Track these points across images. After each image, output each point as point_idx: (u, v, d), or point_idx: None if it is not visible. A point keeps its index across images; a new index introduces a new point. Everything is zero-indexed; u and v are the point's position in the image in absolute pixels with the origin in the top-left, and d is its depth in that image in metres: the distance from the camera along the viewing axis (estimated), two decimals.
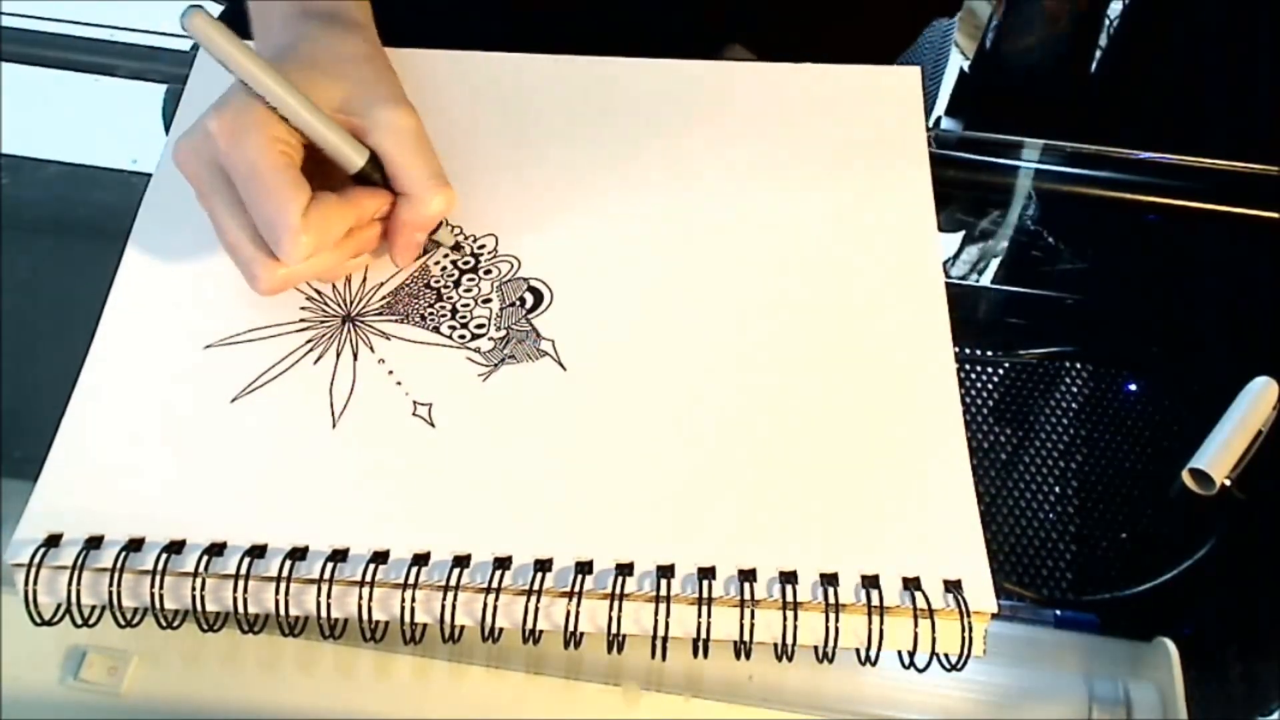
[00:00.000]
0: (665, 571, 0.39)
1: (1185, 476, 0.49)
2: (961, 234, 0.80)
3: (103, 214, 0.57)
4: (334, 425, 0.43)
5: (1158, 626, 0.45)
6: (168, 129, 0.60)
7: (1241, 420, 0.49)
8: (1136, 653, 0.44)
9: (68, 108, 0.63)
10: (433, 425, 0.43)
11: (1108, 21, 0.79)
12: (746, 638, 0.38)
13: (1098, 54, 0.81)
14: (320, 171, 0.44)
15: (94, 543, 0.41)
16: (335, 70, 0.45)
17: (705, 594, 0.38)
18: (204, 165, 0.42)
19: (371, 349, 0.45)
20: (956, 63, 0.92)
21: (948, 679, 0.44)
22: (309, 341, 0.45)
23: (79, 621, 0.40)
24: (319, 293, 0.47)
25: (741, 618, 0.38)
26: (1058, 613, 0.46)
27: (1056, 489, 0.49)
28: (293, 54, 0.46)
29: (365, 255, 0.47)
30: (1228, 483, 0.48)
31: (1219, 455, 0.48)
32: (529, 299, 0.47)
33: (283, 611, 0.40)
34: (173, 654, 0.44)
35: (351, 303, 0.47)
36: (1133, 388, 0.50)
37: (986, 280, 0.78)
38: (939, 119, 0.90)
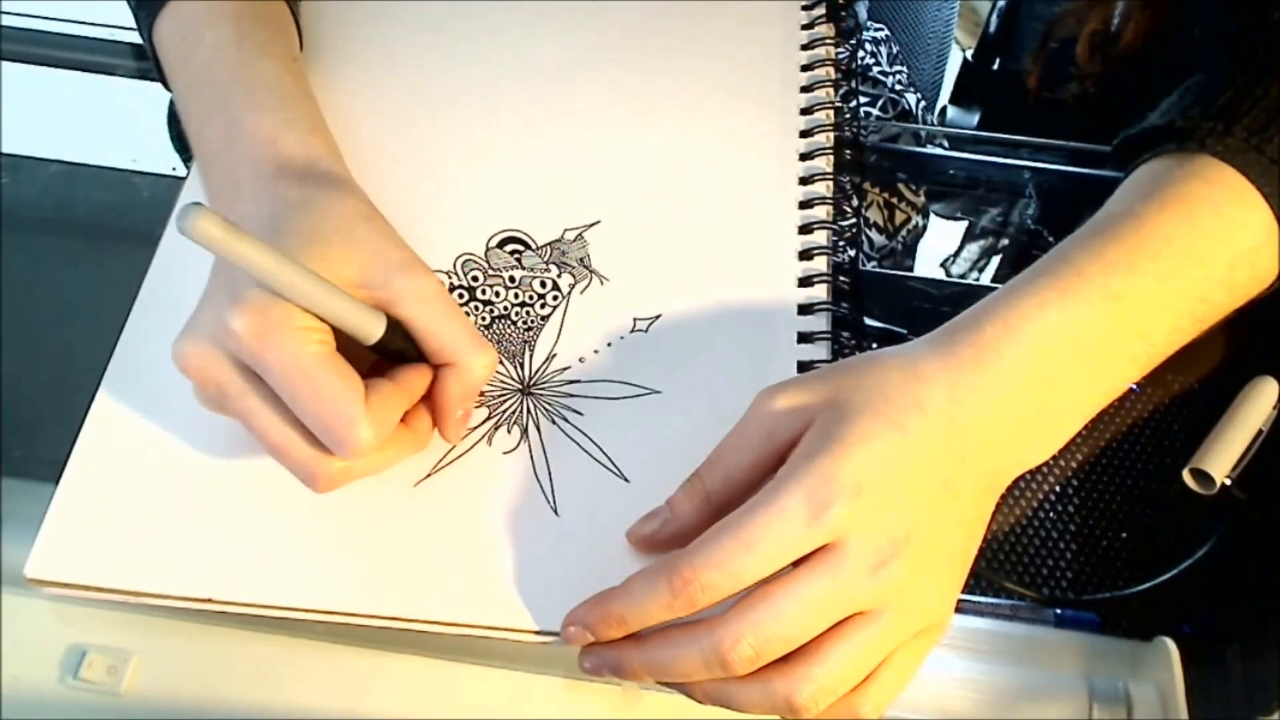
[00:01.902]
0: None
1: (1185, 476, 0.49)
2: (962, 232, 0.80)
3: (103, 214, 0.57)
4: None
5: (1158, 626, 0.45)
6: (171, 130, 0.60)
7: (1241, 420, 0.49)
8: (1136, 652, 0.44)
9: (68, 108, 0.63)
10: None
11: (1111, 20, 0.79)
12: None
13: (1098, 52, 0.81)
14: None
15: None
16: (340, 240, 0.41)
17: None
18: (226, 369, 0.39)
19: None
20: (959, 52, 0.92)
21: (948, 679, 0.44)
22: None
23: None
24: None
25: None
26: (1058, 612, 0.46)
27: (1056, 488, 0.49)
28: (288, 228, 0.41)
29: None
30: (1228, 482, 0.48)
31: (1219, 455, 0.48)
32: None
33: None
34: (173, 654, 0.44)
35: None
36: (1133, 387, 0.50)
37: (987, 279, 0.78)
38: (944, 108, 0.90)
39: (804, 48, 0.55)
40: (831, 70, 0.54)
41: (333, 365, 0.38)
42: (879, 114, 0.73)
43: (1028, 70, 0.74)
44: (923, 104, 0.79)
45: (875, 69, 0.75)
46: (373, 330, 0.40)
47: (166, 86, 0.50)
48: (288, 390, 0.38)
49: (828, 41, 0.55)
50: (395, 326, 0.40)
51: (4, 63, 0.65)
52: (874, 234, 0.70)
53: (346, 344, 0.40)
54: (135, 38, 0.51)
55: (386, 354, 0.41)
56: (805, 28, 0.56)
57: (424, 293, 0.41)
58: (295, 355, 0.37)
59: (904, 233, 0.72)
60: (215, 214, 0.35)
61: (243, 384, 0.39)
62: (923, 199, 0.73)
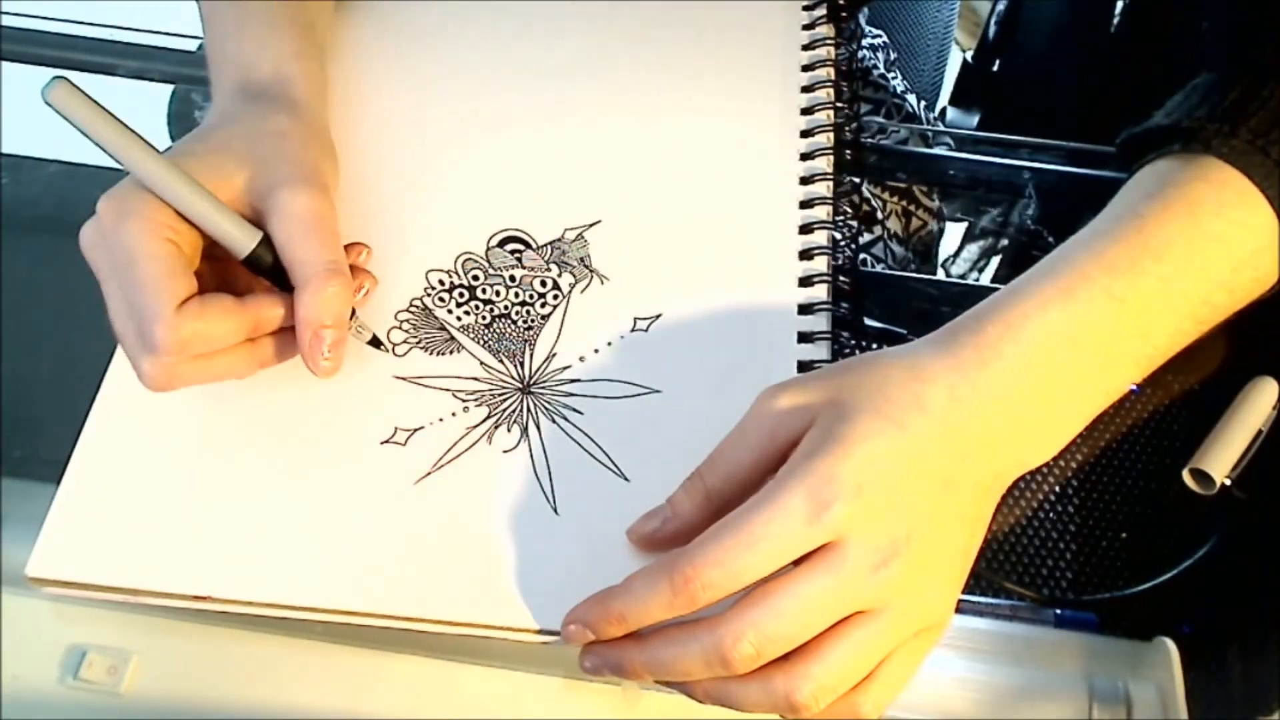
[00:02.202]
0: None
1: (1185, 476, 0.49)
2: (962, 232, 0.80)
3: None
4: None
5: (1158, 626, 0.45)
6: (171, 131, 0.60)
7: (1241, 420, 0.49)
8: (1136, 652, 0.44)
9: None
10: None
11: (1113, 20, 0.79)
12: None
13: (1099, 53, 0.81)
14: (234, 278, 0.42)
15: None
16: (245, 151, 0.42)
17: None
18: (98, 253, 0.40)
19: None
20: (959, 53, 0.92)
21: (948, 678, 0.44)
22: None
23: None
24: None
25: None
26: (1058, 612, 0.46)
27: (1056, 488, 0.49)
28: (211, 134, 0.43)
29: (274, 364, 0.44)
30: (1228, 482, 0.48)
31: (1219, 455, 0.48)
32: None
33: None
34: (172, 654, 0.44)
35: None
36: (1133, 388, 0.50)
37: (986, 279, 0.78)
38: (944, 109, 0.90)
39: (805, 48, 0.55)
40: (832, 71, 0.54)
41: (162, 261, 0.39)
42: (883, 120, 0.73)
43: None
44: (923, 104, 0.79)
45: (875, 73, 0.75)
46: (242, 243, 0.41)
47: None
48: (119, 275, 0.39)
49: (828, 42, 0.55)
50: (268, 245, 0.41)
51: (4, 63, 0.65)
52: (894, 245, 0.70)
53: (235, 271, 0.41)
54: (135, 38, 0.51)
55: (262, 273, 0.42)
56: (806, 28, 0.56)
57: (294, 209, 0.41)
58: (130, 242, 0.39)
59: (916, 238, 0.73)
60: (76, 86, 0.37)
61: (105, 270, 0.40)
62: (938, 203, 0.73)
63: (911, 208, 0.71)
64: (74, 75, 0.66)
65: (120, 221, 0.39)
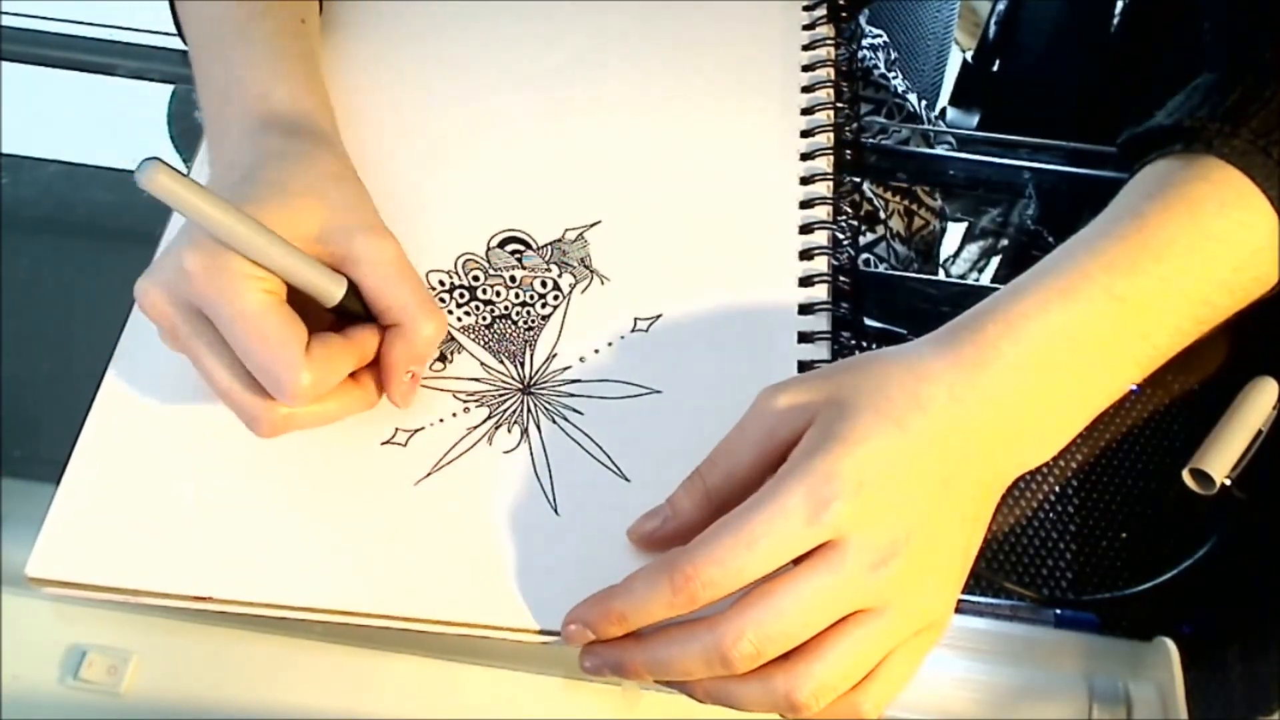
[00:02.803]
0: None
1: (1185, 476, 0.49)
2: (962, 232, 0.80)
3: (102, 214, 0.57)
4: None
5: (1158, 626, 0.45)
6: (171, 131, 0.60)
7: (1241, 420, 0.49)
8: (1136, 652, 0.44)
9: (68, 108, 0.63)
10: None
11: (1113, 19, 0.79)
12: None
13: (1099, 53, 0.81)
14: (304, 312, 0.42)
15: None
16: (307, 196, 0.42)
17: None
18: (178, 308, 0.40)
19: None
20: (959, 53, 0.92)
21: (948, 678, 0.44)
22: None
23: None
24: None
25: None
26: (1058, 612, 0.46)
27: (1056, 488, 0.49)
28: (260, 177, 0.43)
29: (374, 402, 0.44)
30: (1228, 483, 0.48)
31: (1219, 455, 0.48)
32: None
33: None
34: (172, 654, 0.44)
35: None
36: (1133, 388, 0.50)
37: (986, 279, 0.78)
38: (944, 109, 0.90)
39: (805, 48, 0.55)
40: (832, 71, 0.54)
41: (276, 311, 0.39)
42: (884, 120, 0.73)
43: None
44: (924, 104, 0.79)
45: (876, 73, 0.75)
46: (332, 292, 0.41)
47: (185, 42, 0.52)
48: (231, 332, 0.39)
49: (828, 42, 0.55)
50: (354, 289, 0.41)
51: (4, 63, 0.65)
52: (897, 245, 0.70)
53: (308, 304, 0.41)
54: (135, 38, 0.52)
55: (345, 316, 0.42)
56: (806, 28, 0.56)
57: (380, 256, 0.41)
58: (240, 298, 0.38)
59: (918, 238, 0.73)
60: (170, 167, 0.36)
61: (193, 325, 0.40)
62: (940, 202, 0.73)
63: (914, 207, 0.71)
64: (74, 75, 0.66)
65: (221, 278, 0.38)
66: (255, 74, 0.46)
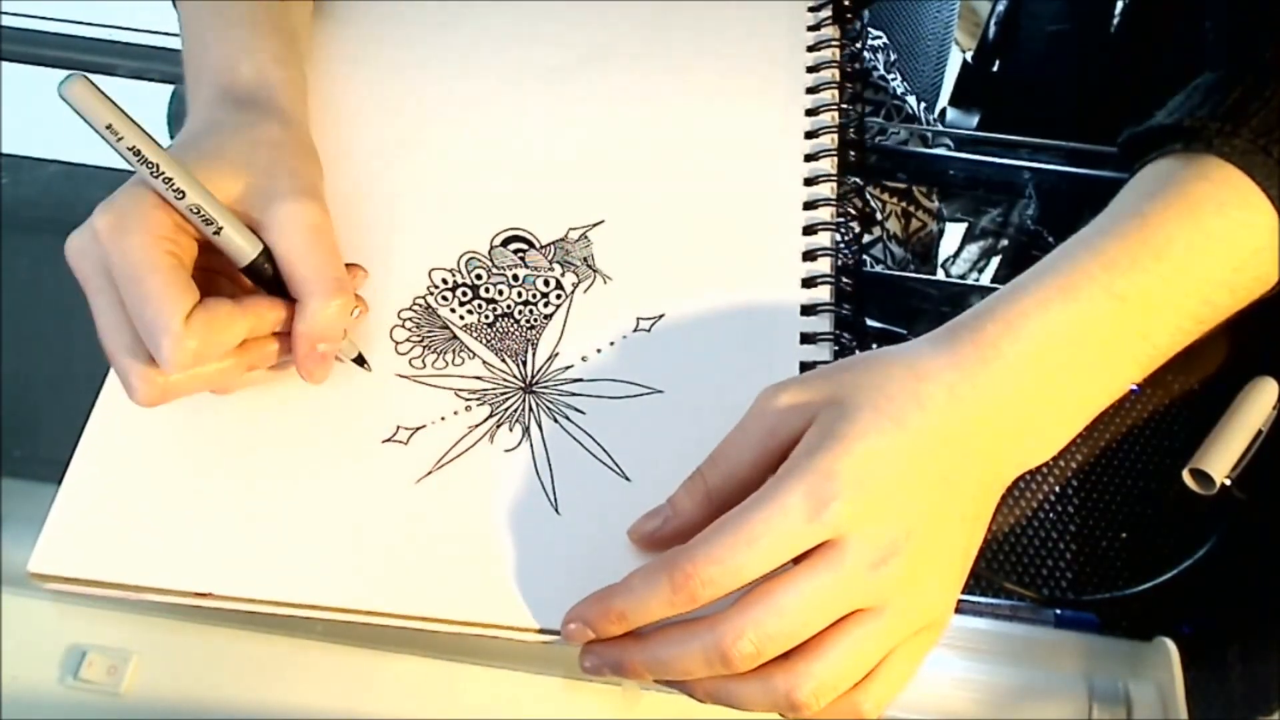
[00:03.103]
0: None
1: (1185, 476, 0.49)
2: (962, 232, 0.80)
3: None
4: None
5: (1158, 626, 0.45)
6: (171, 131, 0.60)
7: (1241, 420, 0.49)
8: (1136, 652, 0.44)
9: (68, 108, 0.63)
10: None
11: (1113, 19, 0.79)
12: None
13: (1100, 50, 0.81)
14: (218, 282, 0.42)
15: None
16: (240, 160, 0.42)
17: None
18: (90, 264, 0.40)
19: None
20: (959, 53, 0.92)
21: (948, 678, 0.44)
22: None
23: None
24: None
25: None
26: (1058, 612, 0.46)
27: (1056, 488, 0.49)
28: (201, 140, 0.43)
29: (261, 369, 0.44)
30: (1228, 483, 0.48)
31: (1219, 455, 0.48)
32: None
33: None
34: (172, 654, 0.44)
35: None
36: (1133, 388, 0.50)
37: (986, 279, 0.78)
38: (944, 110, 0.90)
39: (810, 49, 0.55)
40: (837, 72, 0.54)
41: (168, 273, 0.39)
42: (883, 120, 0.73)
43: None
44: (923, 105, 0.79)
45: (875, 75, 0.75)
46: (245, 251, 0.41)
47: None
48: (122, 289, 0.39)
49: (834, 43, 0.55)
50: (269, 254, 0.41)
51: (4, 63, 0.65)
52: (894, 246, 0.70)
53: (230, 277, 0.41)
54: (135, 38, 0.51)
55: (262, 283, 0.42)
56: (811, 29, 0.56)
57: (296, 223, 0.41)
58: (134, 255, 0.38)
59: (915, 239, 0.73)
60: (92, 83, 0.37)
61: (98, 281, 0.40)
62: (937, 204, 0.73)
63: (911, 209, 0.71)
64: None
65: (121, 234, 0.39)
66: (224, 49, 0.47)
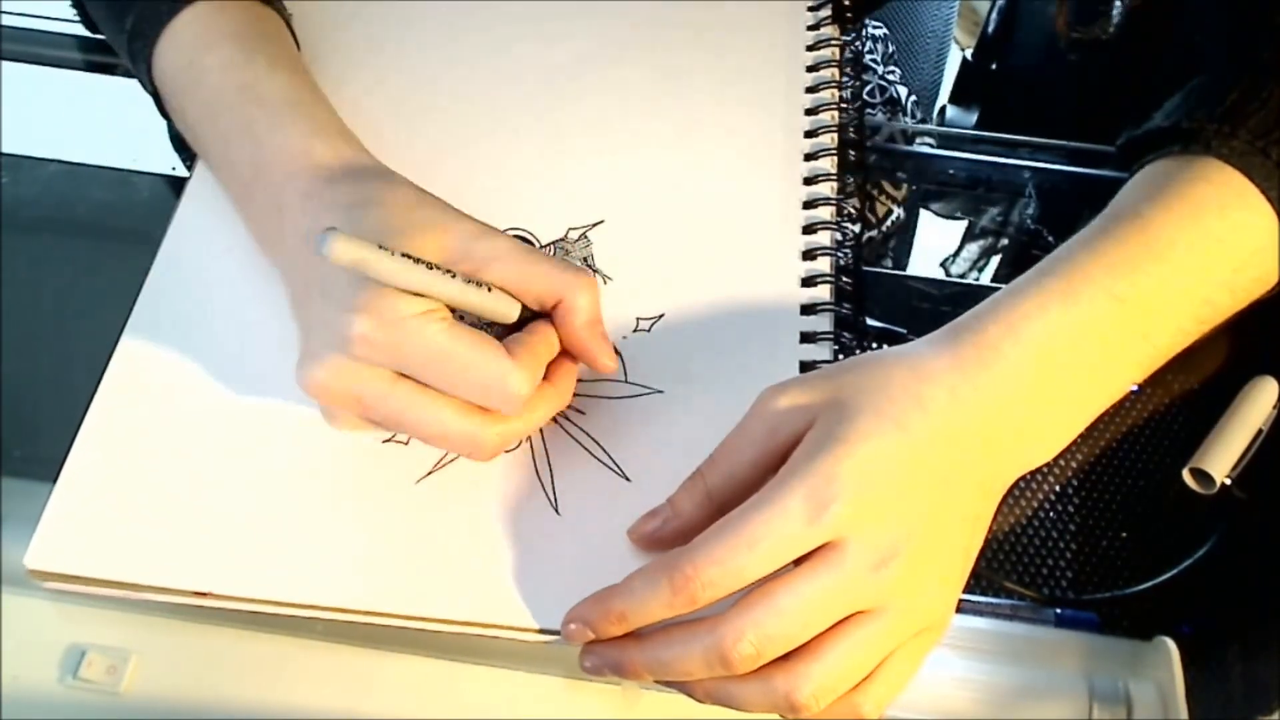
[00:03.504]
0: None
1: (1185, 476, 0.49)
2: (962, 232, 0.80)
3: (102, 213, 0.57)
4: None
5: (1158, 626, 0.45)
6: (171, 130, 0.60)
7: (1241, 420, 0.49)
8: (1136, 652, 0.44)
9: (68, 108, 0.63)
10: None
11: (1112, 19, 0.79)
12: None
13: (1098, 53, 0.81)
14: None
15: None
16: (410, 228, 0.40)
17: None
18: (364, 377, 0.38)
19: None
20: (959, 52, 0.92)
21: (948, 678, 0.44)
22: None
23: None
24: None
25: None
26: (1058, 612, 0.46)
27: (1056, 488, 0.49)
28: (353, 230, 0.39)
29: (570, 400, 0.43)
30: (1228, 482, 0.48)
31: (1219, 455, 0.48)
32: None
33: None
34: (173, 654, 0.44)
35: None
36: (1133, 388, 0.50)
37: (986, 279, 0.79)
38: (944, 108, 0.90)
39: (810, 48, 0.55)
40: (836, 71, 0.54)
41: (465, 334, 0.38)
42: (866, 97, 0.73)
43: (1055, 11, 0.73)
44: (913, 99, 0.79)
45: (867, 57, 0.75)
46: (510, 310, 0.40)
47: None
48: (433, 371, 0.38)
49: (833, 43, 0.55)
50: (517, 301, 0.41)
51: (4, 63, 0.65)
52: (850, 228, 0.70)
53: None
54: None
55: (510, 327, 0.42)
56: (811, 28, 0.56)
57: (502, 252, 0.40)
58: (428, 337, 0.37)
59: (886, 225, 0.72)
60: (349, 235, 0.35)
61: (384, 386, 0.38)
62: (903, 192, 0.72)
63: (874, 192, 0.71)
64: (74, 75, 0.66)
65: (397, 326, 0.37)
66: (289, 134, 0.44)
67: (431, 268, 0.38)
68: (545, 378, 0.41)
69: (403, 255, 0.37)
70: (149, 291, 0.48)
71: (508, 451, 0.44)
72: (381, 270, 0.36)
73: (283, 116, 0.45)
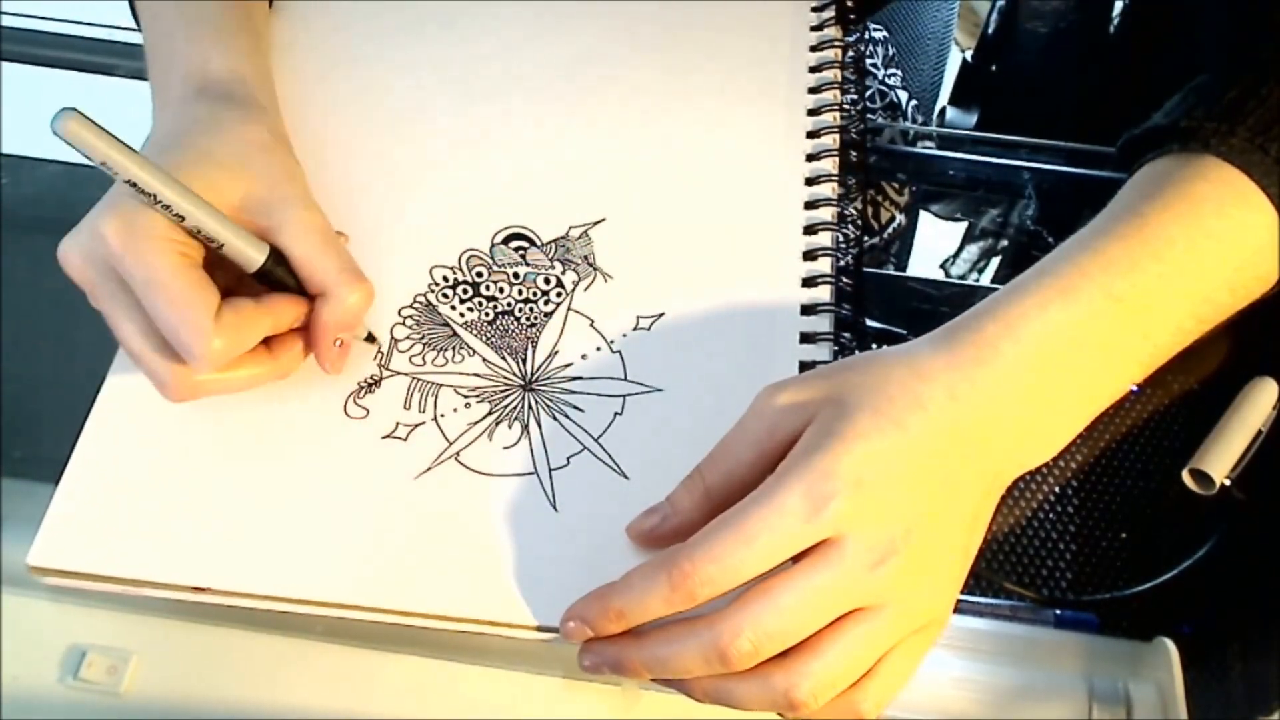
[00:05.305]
0: None
1: (1185, 476, 0.49)
2: (962, 232, 0.80)
3: None
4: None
5: (1158, 626, 0.45)
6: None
7: (1241, 420, 0.49)
8: (1136, 652, 0.44)
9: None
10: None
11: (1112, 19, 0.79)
12: None
13: (1099, 53, 0.81)
14: (224, 279, 0.42)
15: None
16: (234, 164, 0.43)
17: None
18: (95, 268, 0.40)
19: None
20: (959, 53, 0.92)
21: (948, 678, 0.44)
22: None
23: None
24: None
25: None
26: (1058, 612, 0.46)
27: (1056, 488, 0.49)
28: (187, 142, 0.43)
29: (293, 372, 0.44)
30: (1228, 483, 0.48)
31: (1219, 455, 0.48)
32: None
33: None
34: (173, 654, 0.44)
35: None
36: (1133, 388, 0.50)
37: (986, 279, 0.79)
38: (944, 109, 0.90)
39: (813, 49, 0.55)
40: (839, 72, 0.54)
41: (187, 274, 0.39)
42: (866, 103, 0.73)
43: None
44: (914, 103, 0.79)
45: (868, 61, 0.75)
46: (253, 257, 0.41)
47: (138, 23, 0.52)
48: (144, 295, 0.39)
49: (836, 43, 0.55)
50: (278, 256, 0.42)
51: (4, 63, 0.65)
52: (850, 229, 0.70)
53: (238, 277, 0.42)
54: (135, 38, 0.51)
55: (270, 284, 0.43)
56: (814, 29, 0.56)
57: (304, 225, 0.42)
58: (153, 262, 0.39)
59: (888, 231, 0.72)
60: (86, 118, 0.37)
61: (109, 287, 0.40)
62: (906, 197, 0.73)
63: (879, 198, 0.71)
64: (74, 75, 0.66)
65: (134, 240, 0.39)
66: (195, 45, 0.47)
67: (175, 185, 0.39)
68: (268, 348, 0.43)
69: (146, 161, 0.38)
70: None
71: (506, 449, 0.44)
72: (109, 157, 0.38)
73: (200, 29, 0.48)
